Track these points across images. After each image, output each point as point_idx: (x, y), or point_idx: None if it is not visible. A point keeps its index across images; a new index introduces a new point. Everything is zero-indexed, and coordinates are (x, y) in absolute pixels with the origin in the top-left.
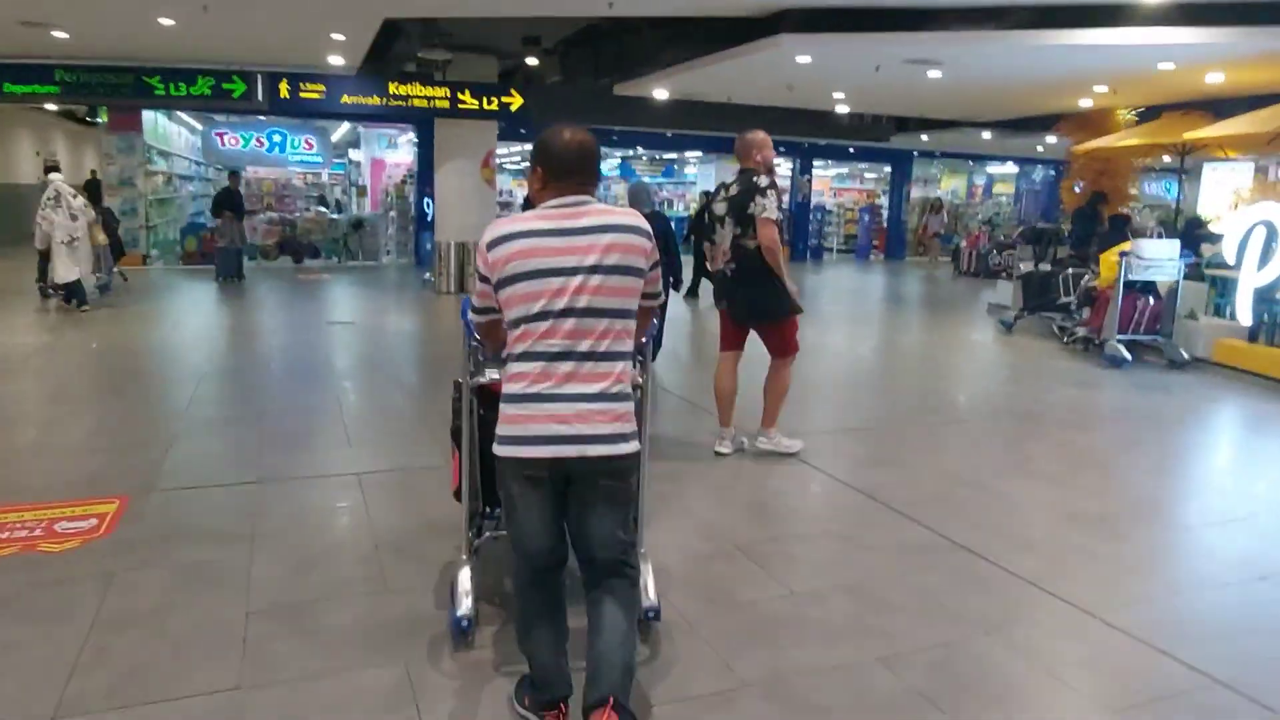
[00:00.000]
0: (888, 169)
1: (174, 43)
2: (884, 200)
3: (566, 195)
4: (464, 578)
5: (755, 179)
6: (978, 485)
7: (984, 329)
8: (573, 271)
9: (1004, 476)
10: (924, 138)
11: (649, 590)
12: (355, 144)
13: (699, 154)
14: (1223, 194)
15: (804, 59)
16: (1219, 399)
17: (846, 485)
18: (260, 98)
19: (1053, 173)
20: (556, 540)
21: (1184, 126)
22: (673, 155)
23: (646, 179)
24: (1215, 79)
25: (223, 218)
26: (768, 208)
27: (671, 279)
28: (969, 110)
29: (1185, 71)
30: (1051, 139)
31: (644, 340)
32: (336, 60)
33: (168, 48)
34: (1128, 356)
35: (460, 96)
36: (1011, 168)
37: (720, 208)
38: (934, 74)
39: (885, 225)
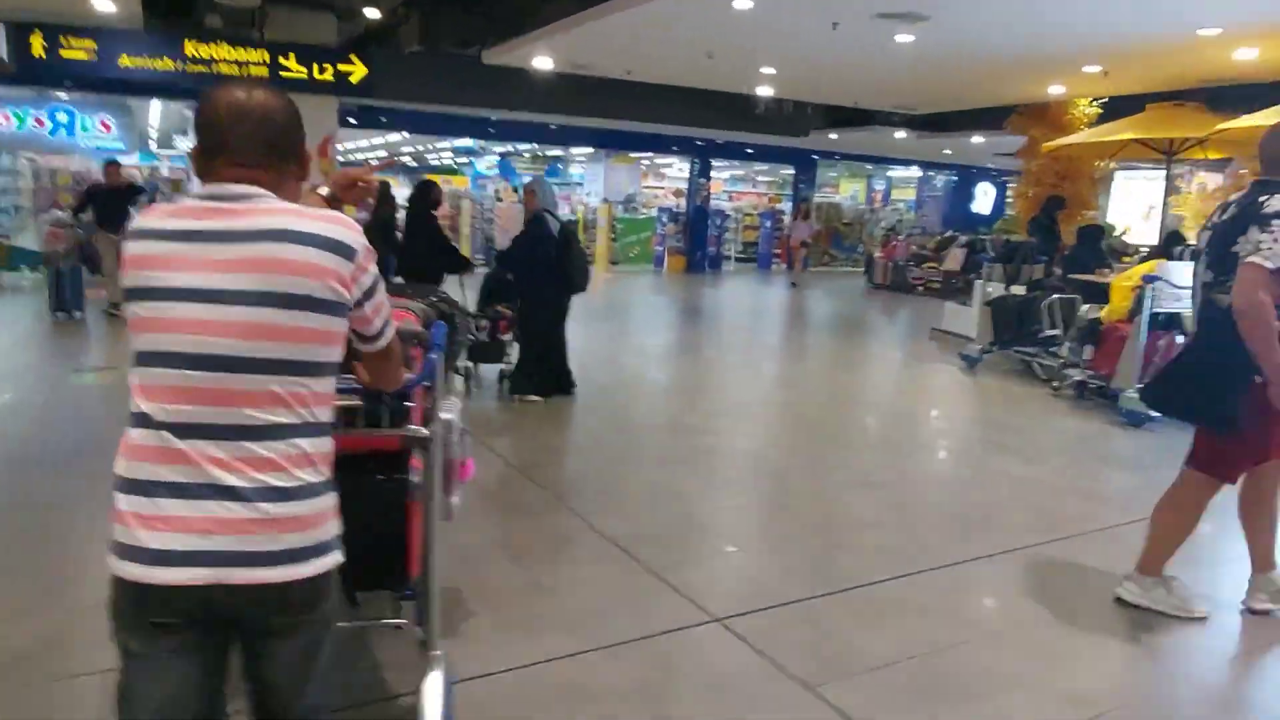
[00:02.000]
0: (786, 171)
1: None
2: (785, 205)
3: (222, 183)
4: None
5: (1264, 198)
6: None
7: (939, 365)
8: (210, 297)
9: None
10: (833, 136)
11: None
12: (185, 130)
13: (589, 150)
14: (1133, 204)
15: (744, 4)
16: None
17: None
18: (4, 56)
19: (955, 178)
20: None
21: (1177, 120)
22: (558, 151)
23: (527, 178)
24: (1246, 55)
25: (64, 226)
26: (1263, 246)
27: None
28: (915, 97)
29: (1218, 44)
30: (978, 139)
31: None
32: (104, 6)
33: None
34: (1153, 413)
35: (283, 62)
36: (912, 172)
37: (1203, 237)
38: (904, 38)
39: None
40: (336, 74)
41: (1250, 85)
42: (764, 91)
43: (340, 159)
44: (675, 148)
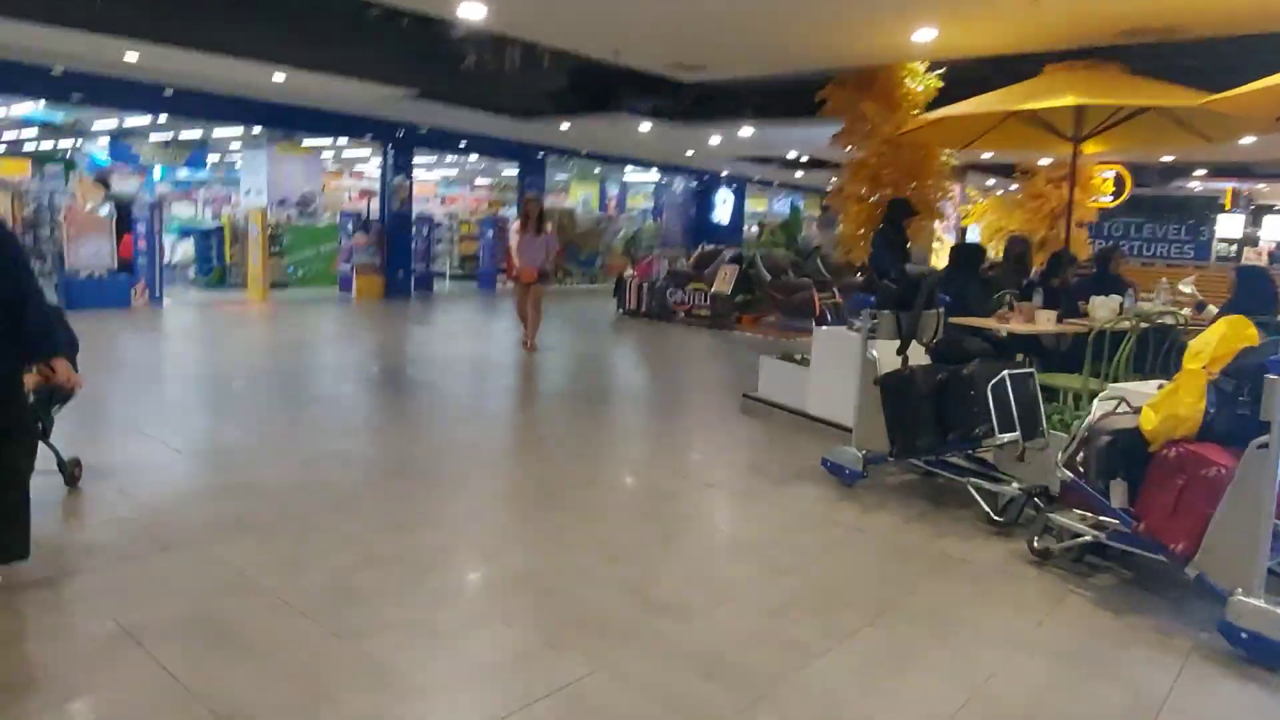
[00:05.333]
0: (509, 172)
1: None
2: (513, 210)
3: None
4: None
5: None
6: None
7: (791, 486)
8: None
9: None
10: (565, 126)
11: None
12: None
13: (236, 132)
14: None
15: None
16: None
17: None
18: None
19: (695, 184)
20: None
21: (1086, 84)
22: (195, 132)
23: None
24: None
25: None
26: None
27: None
28: (702, 45)
29: None
30: (747, 130)
31: None
32: None
33: None
34: None
35: None
36: (650, 176)
37: None
38: None
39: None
40: None
41: (1193, 45)
42: (473, 14)
43: None
44: (370, 134)
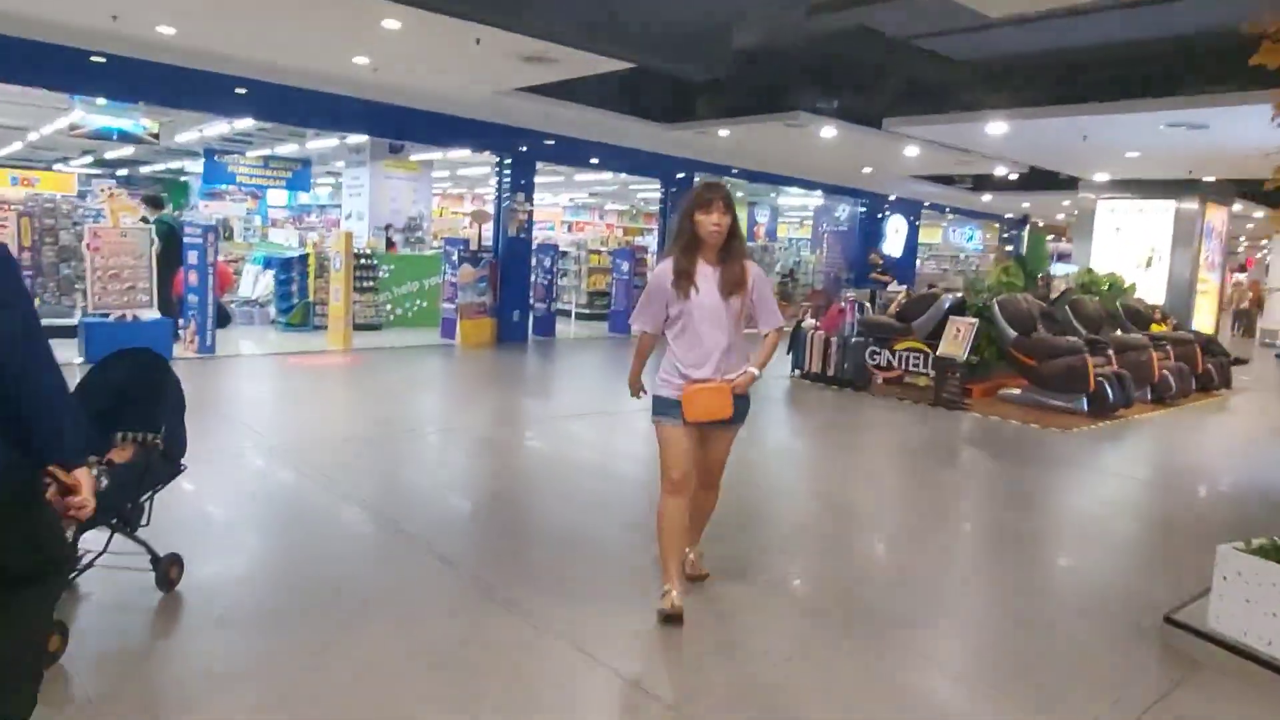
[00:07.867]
0: (645, 193)
1: None
2: (652, 239)
3: None
4: None
5: None
6: None
7: None
8: None
9: None
10: (724, 133)
11: None
12: None
13: (332, 143)
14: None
15: None
16: None
17: None
18: None
19: (863, 208)
20: None
21: None
22: (293, 146)
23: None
24: None
25: None
26: None
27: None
28: None
29: None
30: (998, 126)
31: None
32: None
33: None
34: None
35: None
36: (809, 199)
37: None
38: None
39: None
40: None
41: None
42: None
43: None
44: (488, 147)
